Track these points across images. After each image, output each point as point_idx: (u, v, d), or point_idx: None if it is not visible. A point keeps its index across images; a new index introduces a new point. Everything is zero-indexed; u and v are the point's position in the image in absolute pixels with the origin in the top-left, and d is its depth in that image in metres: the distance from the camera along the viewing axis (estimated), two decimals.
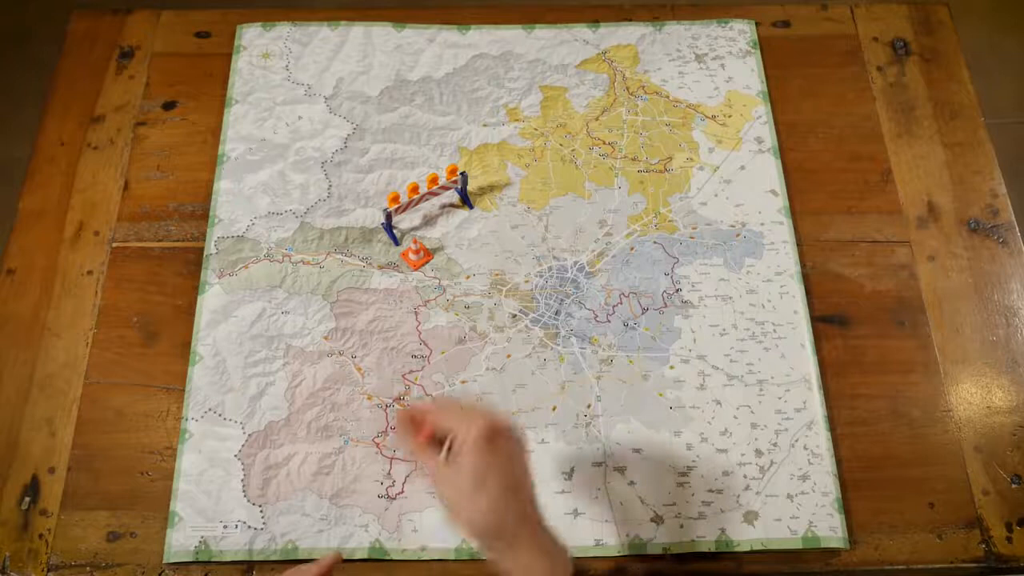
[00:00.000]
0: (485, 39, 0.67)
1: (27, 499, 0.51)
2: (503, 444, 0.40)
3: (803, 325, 0.56)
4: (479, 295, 0.57)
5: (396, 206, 0.57)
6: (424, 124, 0.63)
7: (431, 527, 0.50)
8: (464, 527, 0.40)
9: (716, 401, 0.53)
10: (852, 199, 0.61)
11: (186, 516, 0.50)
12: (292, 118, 0.63)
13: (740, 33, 0.68)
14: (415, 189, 0.57)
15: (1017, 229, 0.60)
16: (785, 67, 0.66)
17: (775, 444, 0.52)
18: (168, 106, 0.64)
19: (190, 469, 0.51)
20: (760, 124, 0.64)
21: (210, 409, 0.53)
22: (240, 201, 0.60)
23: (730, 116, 0.64)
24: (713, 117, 0.64)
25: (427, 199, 0.59)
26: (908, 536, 0.50)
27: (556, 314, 0.56)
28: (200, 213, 0.60)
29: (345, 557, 0.49)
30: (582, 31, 0.68)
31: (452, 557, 0.49)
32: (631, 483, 0.51)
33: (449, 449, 0.40)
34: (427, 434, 0.41)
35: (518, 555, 0.40)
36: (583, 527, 0.50)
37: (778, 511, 0.50)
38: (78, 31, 0.68)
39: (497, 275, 0.57)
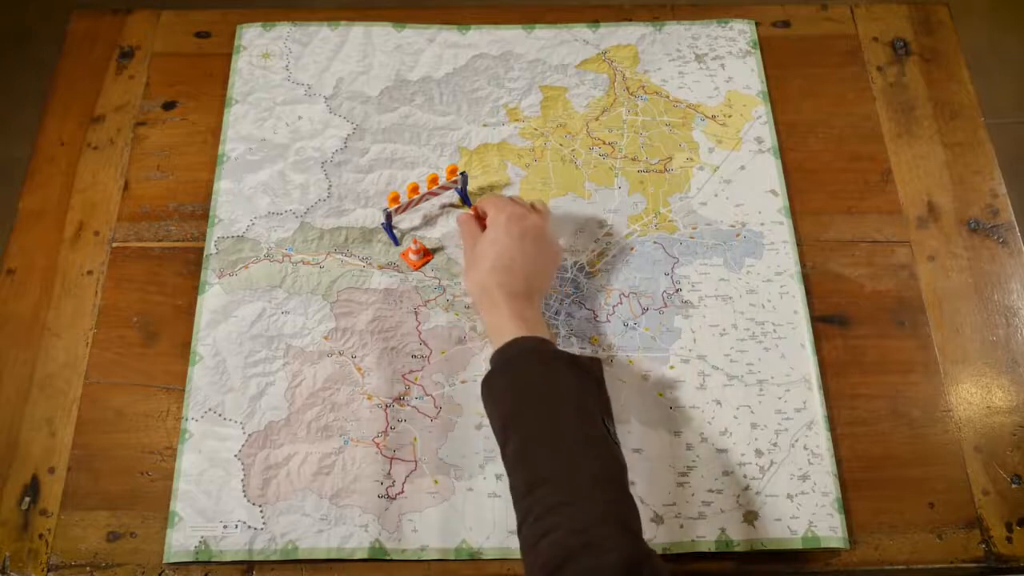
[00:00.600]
0: (485, 39, 0.67)
1: (27, 499, 0.51)
2: (525, 228, 0.49)
3: (803, 325, 0.56)
4: None
5: (396, 206, 0.57)
6: (424, 124, 0.63)
7: (431, 527, 0.50)
8: (466, 286, 0.50)
9: (716, 401, 0.53)
10: (852, 199, 0.61)
11: (186, 516, 0.50)
12: (292, 118, 0.64)
13: (740, 33, 0.68)
14: (415, 189, 0.57)
15: (1017, 229, 0.60)
16: (785, 67, 0.66)
17: (775, 444, 0.52)
18: (168, 106, 0.64)
19: (190, 469, 0.51)
20: (760, 124, 0.64)
21: (210, 409, 0.53)
22: (240, 201, 0.60)
23: (730, 116, 0.64)
24: (713, 117, 0.64)
25: (427, 199, 0.59)
26: (908, 536, 0.50)
27: (556, 314, 0.56)
28: (200, 213, 0.60)
29: (345, 557, 0.49)
30: (582, 31, 0.68)
31: (452, 557, 0.49)
32: (631, 483, 0.51)
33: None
34: (474, 209, 0.53)
35: (492, 316, 0.47)
36: None
37: (778, 511, 0.50)
38: (78, 31, 0.68)
39: None
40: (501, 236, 0.49)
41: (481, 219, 0.52)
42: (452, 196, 0.61)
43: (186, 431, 0.52)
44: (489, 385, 0.46)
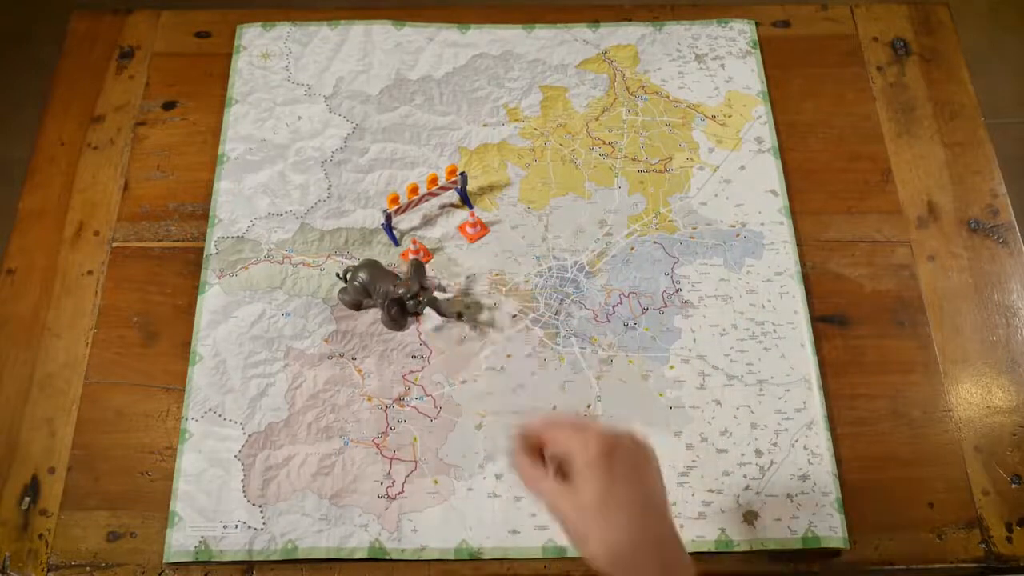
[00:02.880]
0: (485, 39, 0.67)
1: (27, 499, 0.51)
2: (625, 458, 0.36)
3: (803, 325, 0.56)
4: (479, 295, 0.57)
5: (396, 207, 0.57)
6: (424, 124, 0.63)
7: (431, 527, 0.50)
8: (594, 556, 0.35)
9: (716, 401, 0.53)
10: (852, 199, 0.61)
11: (186, 516, 0.50)
12: (292, 118, 0.63)
13: (740, 33, 0.67)
14: (415, 190, 0.57)
15: (1017, 229, 0.60)
16: (785, 67, 0.66)
17: (775, 444, 0.52)
18: (168, 106, 0.64)
19: (190, 469, 0.51)
20: (760, 124, 0.64)
21: (210, 409, 0.53)
22: (240, 201, 0.60)
23: (730, 116, 0.64)
24: (713, 117, 0.64)
25: (427, 199, 0.59)
26: (908, 536, 0.50)
27: (556, 314, 0.56)
28: (200, 213, 0.60)
29: (344, 557, 0.49)
30: (582, 31, 0.68)
31: (452, 557, 0.49)
32: None
33: (559, 471, 0.36)
34: (538, 454, 0.38)
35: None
36: None
37: (778, 511, 0.50)
38: (78, 31, 0.68)
39: (497, 275, 0.57)
40: (613, 485, 0.35)
41: (536, 451, 0.38)
42: (452, 196, 0.60)
43: (186, 431, 0.52)
44: None
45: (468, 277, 0.57)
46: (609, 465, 0.36)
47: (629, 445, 0.37)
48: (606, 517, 0.35)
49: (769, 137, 0.63)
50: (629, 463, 0.36)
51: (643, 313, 0.56)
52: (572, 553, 0.49)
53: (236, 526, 0.50)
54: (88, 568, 0.49)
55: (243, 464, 0.51)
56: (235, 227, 0.59)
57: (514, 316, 0.56)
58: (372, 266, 0.54)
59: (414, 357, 0.54)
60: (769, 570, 0.50)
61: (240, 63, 0.66)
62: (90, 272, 0.58)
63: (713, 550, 0.49)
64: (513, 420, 0.52)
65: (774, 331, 0.56)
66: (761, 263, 0.58)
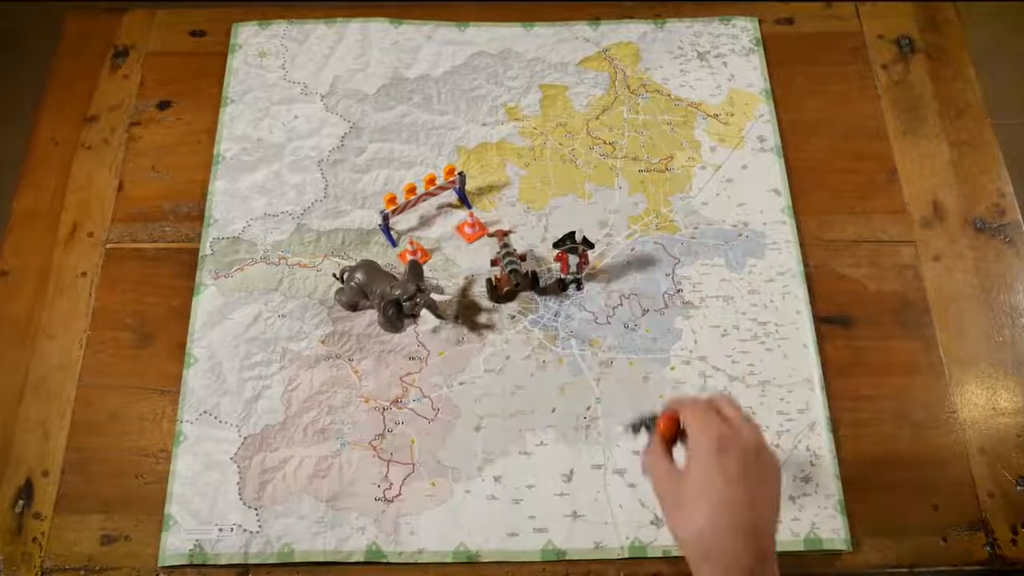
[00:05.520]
0: (484, 37, 0.66)
1: (21, 502, 0.51)
2: (738, 458, 0.36)
3: (806, 325, 0.55)
4: (477, 296, 0.56)
5: (393, 207, 0.56)
6: (422, 123, 0.63)
7: (428, 530, 0.49)
8: (675, 537, 0.36)
9: None
10: (856, 198, 0.61)
11: (181, 519, 0.49)
12: (288, 117, 0.63)
13: (743, 30, 0.67)
14: (412, 190, 0.56)
15: (1023, 228, 0.60)
16: (788, 65, 0.65)
17: (777, 446, 0.51)
18: (163, 106, 0.64)
19: (185, 472, 0.51)
20: (763, 123, 0.63)
21: (205, 411, 0.52)
22: (236, 202, 0.59)
23: (732, 115, 0.63)
24: (715, 116, 0.63)
25: (425, 200, 0.58)
26: (912, 539, 0.50)
27: (555, 315, 0.55)
28: (195, 214, 0.59)
29: (341, 560, 0.49)
30: (582, 29, 0.67)
31: (450, 560, 0.49)
32: (631, 485, 0.50)
33: (677, 442, 0.38)
34: (664, 422, 0.39)
35: None
36: (583, 529, 0.49)
37: (780, 513, 0.49)
38: (72, 30, 0.67)
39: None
40: (715, 476, 0.35)
41: (668, 438, 0.39)
42: (450, 196, 0.60)
43: (181, 434, 0.52)
44: None
45: (467, 278, 0.57)
46: (719, 461, 0.36)
47: (747, 445, 0.37)
48: (694, 509, 0.36)
49: (772, 136, 0.62)
50: (738, 467, 0.36)
51: (644, 314, 0.55)
52: (570, 555, 0.49)
53: (231, 529, 0.49)
54: (82, 572, 0.49)
55: (239, 467, 0.51)
56: (231, 228, 0.58)
57: (513, 317, 0.55)
58: (369, 267, 0.54)
59: (412, 359, 0.54)
60: None
61: (236, 62, 0.65)
62: (84, 273, 0.58)
63: None
64: (512, 422, 0.52)
65: (776, 332, 0.55)
66: (763, 263, 0.57)
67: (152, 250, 0.58)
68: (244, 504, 0.50)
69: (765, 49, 0.66)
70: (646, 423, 0.42)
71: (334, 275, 0.54)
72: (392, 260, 0.57)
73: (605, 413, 0.52)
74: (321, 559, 0.49)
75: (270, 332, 0.55)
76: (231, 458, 0.51)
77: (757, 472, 0.37)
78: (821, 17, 0.68)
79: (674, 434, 0.40)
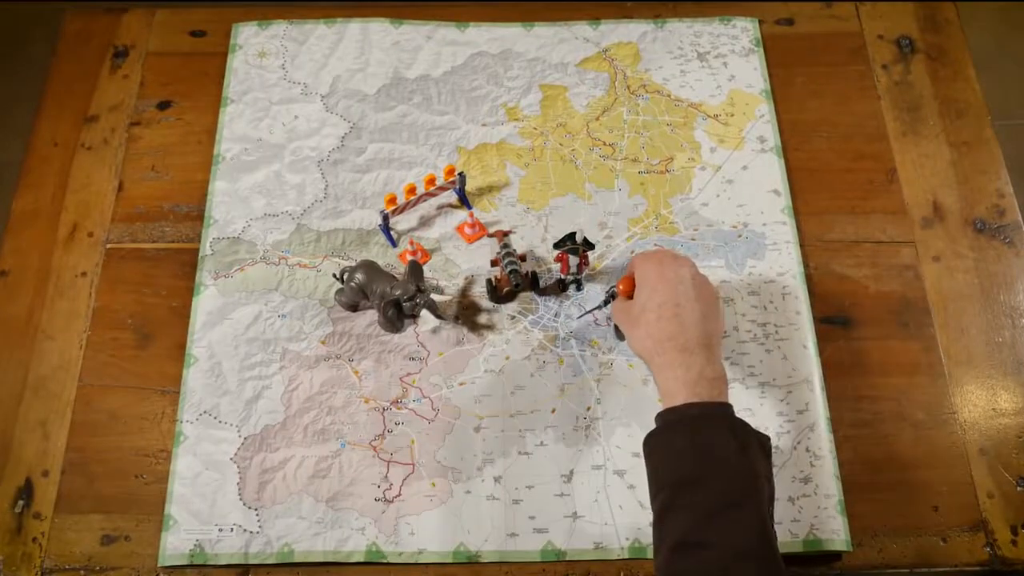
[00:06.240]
0: (484, 37, 0.66)
1: (21, 502, 0.51)
2: (673, 275, 0.45)
3: (806, 326, 0.55)
4: (477, 296, 0.56)
5: (393, 207, 0.56)
6: (422, 123, 0.63)
7: (429, 530, 0.49)
8: (635, 352, 0.46)
9: None
10: (856, 199, 0.60)
11: (181, 519, 0.49)
12: (288, 118, 0.63)
13: (743, 31, 0.67)
14: (412, 190, 0.56)
15: (1023, 229, 0.60)
16: (788, 65, 0.65)
17: (777, 446, 0.51)
18: (163, 106, 0.64)
19: (185, 472, 0.51)
20: (763, 123, 0.63)
21: (205, 412, 0.52)
22: (236, 202, 0.59)
23: (732, 115, 0.63)
24: (715, 116, 0.63)
25: (425, 200, 0.58)
26: (912, 539, 0.50)
27: (555, 316, 0.55)
28: (195, 214, 0.59)
29: (341, 560, 0.49)
30: (582, 29, 0.67)
31: (450, 560, 0.49)
32: (631, 487, 0.50)
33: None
34: (628, 286, 0.48)
35: (668, 373, 0.42)
36: (583, 530, 0.49)
37: (780, 514, 0.49)
38: (72, 30, 0.67)
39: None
40: (658, 285, 0.45)
41: (627, 294, 0.49)
42: (450, 196, 0.60)
43: (181, 434, 0.52)
44: (667, 444, 0.42)
45: (467, 278, 0.57)
46: (661, 274, 0.45)
47: (688, 264, 0.46)
48: (645, 312, 0.45)
49: (772, 136, 0.62)
50: (685, 278, 0.45)
51: None
52: (570, 556, 0.49)
53: (231, 529, 0.49)
54: (82, 572, 0.49)
55: (239, 467, 0.51)
56: (231, 228, 0.58)
57: (513, 318, 0.55)
58: (369, 267, 0.53)
59: (412, 359, 0.54)
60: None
61: (236, 62, 0.65)
62: (84, 274, 0.58)
63: None
64: (512, 423, 0.52)
65: (776, 332, 0.55)
66: (763, 264, 0.57)
67: (152, 250, 0.58)
68: (244, 504, 0.50)
69: (765, 49, 0.66)
70: (611, 292, 0.52)
71: (334, 275, 0.54)
72: (392, 260, 0.57)
73: (605, 414, 0.52)
74: (321, 559, 0.49)
75: (270, 332, 0.55)
76: (231, 458, 0.51)
77: (694, 288, 0.45)
78: (821, 17, 0.68)
79: (631, 291, 0.49)
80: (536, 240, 0.58)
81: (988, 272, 0.58)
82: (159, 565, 0.49)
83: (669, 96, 0.64)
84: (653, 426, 0.44)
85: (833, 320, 0.56)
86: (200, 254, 0.57)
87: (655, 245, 0.58)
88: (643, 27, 0.67)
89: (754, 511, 0.38)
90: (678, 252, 0.49)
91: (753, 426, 0.42)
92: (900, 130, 0.63)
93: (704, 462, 0.39)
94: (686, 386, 0.41)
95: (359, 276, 0.53)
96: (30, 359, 0.55)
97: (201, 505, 0.50)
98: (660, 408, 0.44)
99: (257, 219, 0.59)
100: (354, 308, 0.55)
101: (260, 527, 0.49)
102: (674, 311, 0.44)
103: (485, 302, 0.56)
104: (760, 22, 0.67)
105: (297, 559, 0.49)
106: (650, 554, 0.49)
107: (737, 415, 0.42)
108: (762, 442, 0.41)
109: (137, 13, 0.68)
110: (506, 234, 0.56)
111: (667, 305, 0.44)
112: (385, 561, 0.49)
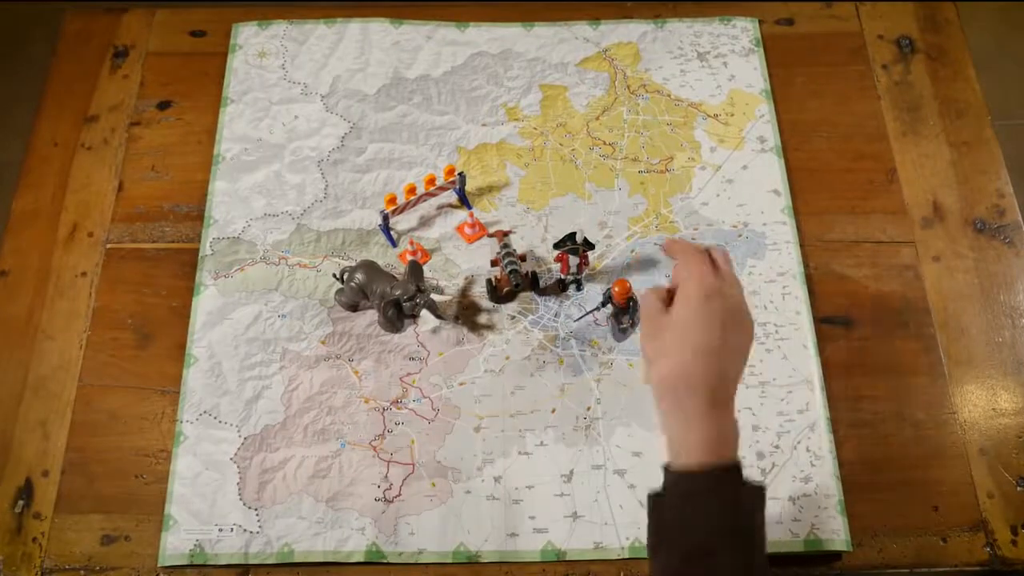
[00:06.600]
0: (484, 37, 0.66)
1: (21, 502, 0.51)
2: (720, 309, 0.38)
3: (806, 326, 0.55)
4: (477, 296, 0.56)
5: (393, 207, 0.56)
6: (422, 123, 0.63)
7: (429, 530, 0.49)
8: (652, 379, 0.39)
9: None
10: (856, 199, 0.60)
11: (181, 519, 0.49)
12: (288, 118, 0.63)
13: (743, 31, 0.67)
14: (412, 190, 0.56)
15: (1023, 229, 0.60)
16: (788, 65, 0.65)
17: (777, 446, 0.51)
18: (163, 106, 0.64)
19: (185, 472, 0.51)
20: (763, 123, 0.63)
21: (205, 412, 0.52)
22: (236, 202, 0.59)
23: (732, 115, 0.63)
24: (715, 116, 0.63)
25: (425, 200, 0.58)
26: (912, 539, 0.50)
27: (555, 316, 0.55)
28: (195, 214, 0.59)
29: (341, 560, 0.49)
30: (582, 29, 0.67)
31: (450, 560, 0.49)
32: (631, 486, 0.50)
33: (670, 293, 0.40)
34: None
35: (680, 424, 0.38)
36: (583, 530, 0.49)
37: (780, 514, 0.50)
38: (72, 30, 0.67)
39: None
40: (697, 320, 0.38)
41: (668, 294, 0.41)
42: (450, 196, 0.60)
43: (181, 434, 0.52)
44: (681, 508, 0.38)
45: (467, 278, 0.57)
46: (706, 307, 0.38)
47: (736, 300, 0.39)
48: (674, 348, 0.38)
49: (772, 136, 0.62)
50: (729, 317, 0.39)
51: None
52: (570, 556, 0.49)
53: (231, 529, 0.49)
54: (82, 572, 0.49)
55: (239, 467, 0.51)
56: (230, 228, 0.58)
57: (513, 318, 0.55)
58: (369, 267, 0.53)
59: (412, 359, 0.54)
60: (771, 573, 0.49)
61: (236, 62, 0.65)
62: (84, 274, 0.58)
63: None
64: (512, 423, 0.52)
65: (776, 332, 0.55)
66: (763, 264, 0.57)
67: (152, 250, 0.58)
68: (244, 504, 0.50)
69: (765, 49, 0.66)
70: (607, 296, 0.51)
71: (334, 275, 0.54)
72: (392, 260, 0.57)
73: (605, 414, 0.52)
74: (321, 559, 0.49)
75: (270, 332, 0.55)
76: (231, 458, 0.51)
77: (734, 325, 0.39)
78: (821, 17, 0.68)
79: (625, 298, 0.48)
80: (536, 240, 0.58)
81: (988, 272, 0.58)
82: (159, 565, 0.49)
83: (669, 96, 0.64)
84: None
85: (833, 320, 0.56)
86: (200, 254, 0.57)
87: (655, 244, 0.58)
88: (643, 27, 0.67)
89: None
90: (725, 256, 0.41)
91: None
92: (900, 130, 0.63)
93: (718, 535, 0.36)
94: (707, 444, 0.37)
95: (359, 276, 0.53)
96: (30, 359, 0.55)
97: (201, 505, 0.50)
98: (659, 406, 0.42)
99: (257, 219, 0.59)
100: (354, 308, 0.55)
101: (260, 527, 0.49)
102: (716, 358, 0.38)
103: (485, 302, 0.56)
104: (760, 22, 0.67)
105: (297, 559, 0.49)
106: None
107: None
108: (763, 495, 0.39)
109: (137, 13, 0.68)
110: (506, 234, 0.56)
111: (700, 348, 0.38)
112: (385, 561, 0.49)
